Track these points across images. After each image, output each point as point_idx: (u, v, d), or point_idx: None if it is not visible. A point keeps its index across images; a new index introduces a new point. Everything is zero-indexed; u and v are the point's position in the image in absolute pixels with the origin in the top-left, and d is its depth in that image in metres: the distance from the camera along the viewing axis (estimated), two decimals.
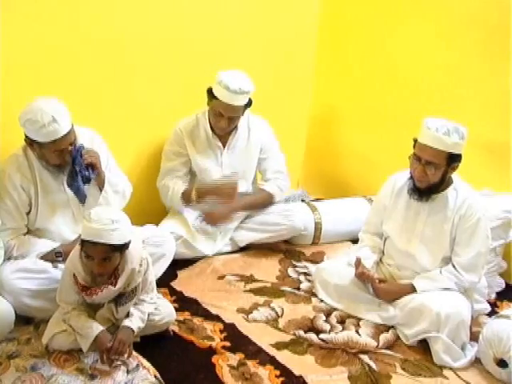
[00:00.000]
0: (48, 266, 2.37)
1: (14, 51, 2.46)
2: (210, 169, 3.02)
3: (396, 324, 2.48)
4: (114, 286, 2.13)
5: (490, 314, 2.56)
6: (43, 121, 2.20)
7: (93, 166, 2.39)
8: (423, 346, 2.36)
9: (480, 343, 2.26)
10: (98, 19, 2.73)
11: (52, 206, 2.44)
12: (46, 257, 2.39)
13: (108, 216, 1.99)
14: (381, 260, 2.69)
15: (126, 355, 2.12)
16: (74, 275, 2.13)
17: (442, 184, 2.42)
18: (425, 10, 3.22)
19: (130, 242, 2.09)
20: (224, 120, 2.85)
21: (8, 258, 2.34)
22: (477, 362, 2.28)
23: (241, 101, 2.81)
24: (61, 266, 2.38)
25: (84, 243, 2.03)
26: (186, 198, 2.93)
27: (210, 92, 2.84)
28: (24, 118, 2.23)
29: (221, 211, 2.93)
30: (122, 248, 2.06)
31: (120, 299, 2.18)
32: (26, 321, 2.34)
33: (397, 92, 3.44)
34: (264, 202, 3.09)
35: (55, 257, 2.40)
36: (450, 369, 2.26)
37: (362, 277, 2.53)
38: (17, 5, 2.43)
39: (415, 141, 2.40)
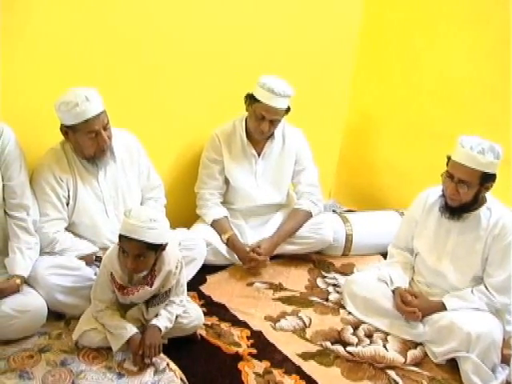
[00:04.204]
0: (82, 263, 2.40)
1: (41, 55, 2.50)
2: (244, 177, 3.04)
3: (424, 341, 2.44)
4: (151, 286, 2.16)
5: None
6: (76, 100, 2.26)
7: None
8: (451, 364, 2.32)
9: None
10: (136, 23, 2.75)
11: (87, 200, 2.49)
12: (85, 258, 2.43)
13: (147, 215, 2.03)
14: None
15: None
16: (111, 274, 2.16)
17: (475, 203, 2.38)
18: (464, 24, 3.18)
19: (166, 244, 2.11)
20: (265, 123, 2.85)
21: (50, 251, 2.40)
22: None
23: (283, 104, 2.83)
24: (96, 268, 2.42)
25: (120, 238, 2.06)
26: (217, 229, 2.97)
27: (250, 97, 2.86)
28: (58, 103, 2.29)
29: (264, 247, 2.93)
30: (157, 248, 2.08)
31: (152, 300, 2.21)
32: (58, 316, 2.39)
33: (434, 106, 3.40)
34: (302, 222, 3.06)
35: (95, 260, 2.43)
36: None
37: (401, 311, 2.50)
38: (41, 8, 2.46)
39: (449, 158, 2.37)
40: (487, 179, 2.30)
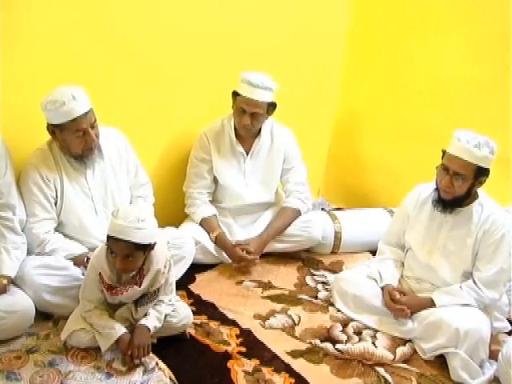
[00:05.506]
0: (69, 263, 2.38)
1: (37, 55, 2.48)
2: (233, 176, 3.03)
3: (413, 338, 2.46)
4: (139, 286, 2.15)
5: (510, 333, 2.52)
6: (63, 99, 2.25)
7: None
8: (440, 361, 2.34)
9: (499, 362, 2.22)
10: (124, 21, 2.73)
11: (75, 199, 2.48)
12: (76, 259, 2.41)
13: (135, 215, 2.02)
14: None
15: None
16: (99, 274, 2.15)
17: (468, 198, 2.40)
18: (456, 23, 3.19)
19: (154, 244, 2.11)
20: (246, 117, 2.83)
21: (40, 251, 2.38)
22: (495, 380, 2.25)
23: (263, 96, 2.81)
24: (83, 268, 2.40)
25: (108, 239, 2.05)
26: (205, 227, 2.96)
27: (234, 94, 2.87)
28: (45, 102, 2.28)
29: (253, 246, 2.93)
30: (146, 248, 2.08)
31: (141, 300, 2.20)
32: (46, 316, 2.37)
33: (425, 105, 3.41)
34: (291, 220, 3.06)
35: (86, 261, 2.38)
36: None
37: (390, 309, 2.51)
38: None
39: (444, 152, 2.39)
40: (481, 173, 2.32)
